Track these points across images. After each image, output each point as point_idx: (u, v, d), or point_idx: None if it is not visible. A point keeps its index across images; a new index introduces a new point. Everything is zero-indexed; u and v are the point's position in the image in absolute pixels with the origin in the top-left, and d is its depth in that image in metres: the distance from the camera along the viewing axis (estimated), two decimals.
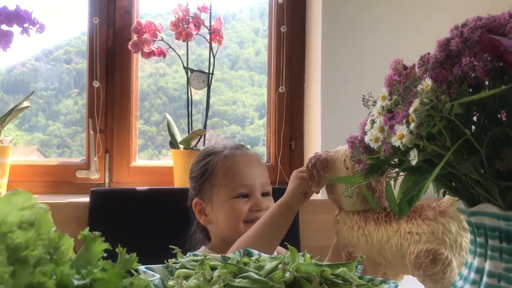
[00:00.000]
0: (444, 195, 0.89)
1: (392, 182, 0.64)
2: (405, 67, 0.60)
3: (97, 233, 0.45)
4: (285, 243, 0.78)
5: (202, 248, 1.25)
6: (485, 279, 0.55)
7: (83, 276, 0.38)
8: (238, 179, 1.21)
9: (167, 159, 1.93)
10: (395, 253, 0.86)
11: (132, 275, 0.47)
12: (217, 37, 1.81)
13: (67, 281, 0.37)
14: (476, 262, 0.57)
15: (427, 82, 0.48)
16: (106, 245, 0.45)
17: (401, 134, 0.49)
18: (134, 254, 0.48)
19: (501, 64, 0.49)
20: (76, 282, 0.36)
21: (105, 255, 0.45)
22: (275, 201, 1.13)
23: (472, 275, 0.57)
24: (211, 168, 1.23)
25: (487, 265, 0.55)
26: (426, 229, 0.83)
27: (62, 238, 0.50)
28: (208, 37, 1.81)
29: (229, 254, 1.04)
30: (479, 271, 0.56)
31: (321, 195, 1.79)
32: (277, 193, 1.61)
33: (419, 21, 1.86)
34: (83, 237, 0.44)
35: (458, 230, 0.84)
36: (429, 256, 0.81)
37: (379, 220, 0.88)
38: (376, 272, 0.90)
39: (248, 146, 1.36)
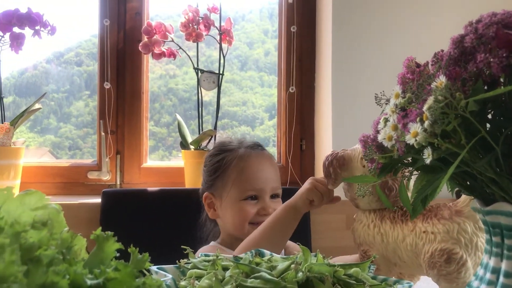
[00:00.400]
0: (457, 195, 0.88)
1: (405, 181, 0.63)
2: (418, 65, 0.59)
3: (109, 233, 0.45)
4: (297, 243, 0.78)
5: (212, 243, 1.27)
6: (501, 279, 0.54)
7: (96, 275, 0.38)
8: (250, 182, 1.22)
9: (178, 160, 1.94)
10: (410, 252, 0.85)
11: (144, 275, 0.47)
12: (227, 38, 1.81)
13: (80, 280, 0.36)
14: (492, 262, 0.56)
15: (441, 79, 0.48)
16: (118, 245, 0.45)
17: (415, 132, 0.48)
18: (147, 254, 0.48)
19: None
20: (89, 282, 0.36)
21: (117, 255, 0.45)
22: (283, 202, 1.13)
23: (488, 275, 0.56)
24: (225, 166, 1.25)
25: (504, 265, 0.54)
26: (441, 228, 0.82)
27: (74, 238, 0.50)
28: (218, 37, 1.81)
29: (241, 254, 1.05)
30: (495, 271, 0.55)
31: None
32: (287, 194, 1.61)
33: (431, 19, 1.84)
34: (95, 237, 0.44)
35: (474, 230, 0.83)
36: (443, 255, 0.80)
37: (395, 219, 0.88)
38: (391, 272, 0.89)
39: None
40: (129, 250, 0.48)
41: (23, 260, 0.36)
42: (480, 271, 0.58)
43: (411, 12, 1.86)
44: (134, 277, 0.39)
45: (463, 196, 0.87)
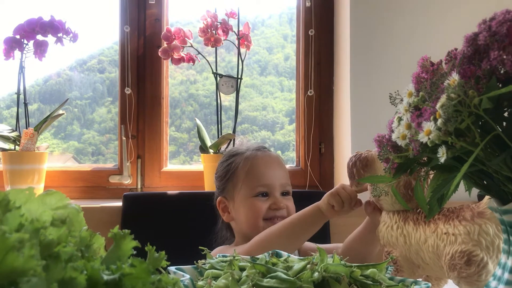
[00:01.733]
0: (479, 197, 0.87)
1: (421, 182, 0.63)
2: (432, 64, 0.59)
3: (126, 231, 0.46)
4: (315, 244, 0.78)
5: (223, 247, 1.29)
6: None
7: (112, 271, 0.39)
8: (258, 179, 1.25)
9: (198, 165, 1.96)
10: (431, 254, 0.85)
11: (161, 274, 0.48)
12: (245, 42, 1.82)
13: (97, 276, 0.38)
14: (510, 262, 0.56)
15: (454, 77, 0.48)
16: (135, 243, 0.46)
17: (428, 130, 0.48)
18: (163, 253, 0.49)
19: None
20: (105, 277, 0.37)
21: (134, 252, 0.46)
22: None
23: (506, 275, 0.56)
24: (234, 168, 1.29)
25: None
26: (462, 230, 0.81)
27: (93, 236, 0.51)
28: (236, 42, 1.83)
29: (253, 248, 1.07)
30: None
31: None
32: (307, 197, 1.61)
33: (449, 20, 1.83)
34: (113, 235, 0.45)
35: (496, 232, 0.81)
36: (463, 257, 0.79)
37: (418, 220, 0.87)
38: (414, 274, 0.89)
39: (279, 152, 1.39)
40: (146, 248, 0.49)
41: (42, 256, 0.37)
42: (498, 271, 0.58)
43: (429, 13, 1.84)
44: (149, 273, 0.40)
45: (486, 198, 0.85)
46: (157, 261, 0.48)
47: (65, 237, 0.40)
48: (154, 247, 0.50)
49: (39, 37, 1.64)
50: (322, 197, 1.08)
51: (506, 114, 0.53)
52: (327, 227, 1.68)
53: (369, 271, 0.68)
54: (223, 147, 1.81)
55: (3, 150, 1.67)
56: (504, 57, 0.47)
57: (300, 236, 1.10)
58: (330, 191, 1.08)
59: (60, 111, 1.76)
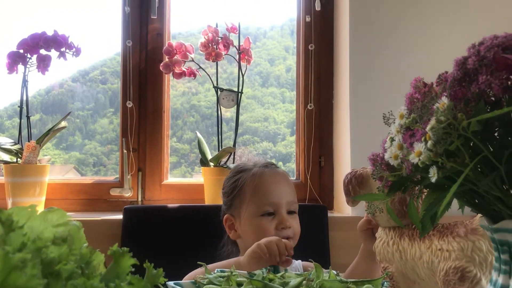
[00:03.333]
0: (475, 214, 0.88)
1: (414, 200, 0.64)
2: (425, 85, 0.60)
3: (125, 248, 0.48)
4: (309, 260, 0.79)
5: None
6: None
7: None
8: (265, 197, 1.25)
9: (200, 177, 1.97)
10: (427, 270, 0.86)
11: None
12: (246, 57, 1.85)
13: None
14: (501, 279, 0.57)
15: (444, 101, 0.49)
16: (134, 260, 0.47)
17: (419, 151, 0.50)
18: (161, 270, 0.50)
19: None
20: None
21: (133, 270, 0.48)
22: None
23: None
24: (240, 185, 1.28)
25: None
26: (456, 246, 0.82)
27: (93, 253, 0.53)
28: (237, 57, 1.85)
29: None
30: None
31: (351, 212, 1.79)
32: (307, 210, 1.62)
33: (448, 35, 1.85)
34: (112, 253, 0.47)
35: (489, 248, 0.82)
36: (457, 273, 0.80)
37: (413, 236, 0.88)
38: None
39: (280, 163, 1.39)
40: (144, 265, 0.51)
41: (43, 274, 0.38)
42: None
43: (428, 31, 1.87)
44: None
45: (478, 215, 0.86)
46: (155, 278, 0.49)
47: (66, 255, 0.42)
48: (152, 264, 0.51)
49: (43, 51, 1.67)
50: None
51: (496, 134, 0.55)
52: (326, 241, 1.68)
53: (364, 287, 0.70)
54: (223, 160, 1.83)
55: (5, 162, 1.69)
56: (492, 81, 0.49)
57: None
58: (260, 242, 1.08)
59: (63, 124, 1.78)
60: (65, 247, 0.42)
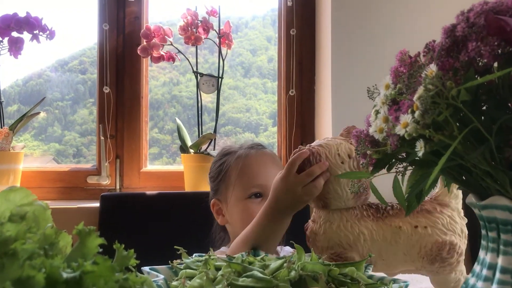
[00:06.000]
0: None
1: (400, 177, 0.62)
2: (410, 57, 0.58)
3: (92, 227, 0.44)
4: (291, 241, 0.77)
5: (223, 248, 1.24)
6: (497, 275, 0.53)
7: (73, 269, 0.37)
8: (251, 179, 1.19)
9: (179, 165, 1.93)
10: (397, 249, 0.84)
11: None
12: (226, 41, 1.81)
13: (56, 274, 0.35)
14: (488, 257, 0.55)
15: (432, 68, 0.46)
16: (101, 240, 0.44)
17: (405, 122, 0.47)
18: (132, 251, 0.47)
19: (510, 49, 0.47)
20: (65, 275, 0.35)
21: (100, 250, 0.44)
22: None
23: (485, 272, 0.55)
24: (226, 168, 1.23)
25: (500, 261, 0.53)
26: (435, 221, 0.83)
27: (59, 234, 0.49)
28: (217, 41, 1.81)
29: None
30: (492, 267, 0.54)
31: None
32: None
33: (429, 14, 1.82)
34: (78, 232, 0.43)
35: (461, 220, 0.86)
36: (445, 247, 0.82)
37: (374, 216, 0.85)
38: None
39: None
40: (114, 246, 0.47)
41: None
42: (477, 268, 0.57)
43: (409, 10, 1.84)
44: (114, 271, 0.38)
45: (439, 187, 0.87)
46: (125, 260, 0.46)
47: (23, 233, 0.38)
48: (123, 245, 0.48)
49: (14, 34, 1.61)
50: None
51: (484, 108, 0.52)
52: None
53: (347, 270, 0.67)
54: (203, 147, 1.79)
55: None
56: (482, 48, 0.46)
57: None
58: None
59: (37, 110, 1.72)
60: (23, 225, 0.39)
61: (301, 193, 0.88)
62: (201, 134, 1.82)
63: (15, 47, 1.59)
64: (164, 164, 2.05)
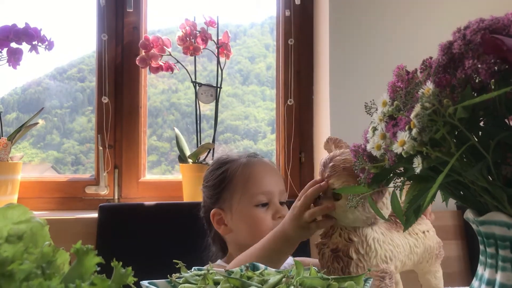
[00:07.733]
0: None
1: (398, 192, 0.62)
2: (408, 73, 0.58)
3: (90, 246, 0.44)
4: (293, 258, 0.76)
5: (219, 261, 1.22)
6: None
7: None
8: (258, 186, 1.18)
9: (177, 175, 1.93)
10: (416, 254, 0.90)
11: None
12: (225, 51, 1.81)
13: None
14: (487, 273, 0.55)
15: (429, 86, 0.47)
16: (99, 259, 0.43)
17: (402, 140, 0.47)
18: (129, 269, 0.47)
19: (506, 66, 0.47)
20: None
21: (98, 269, 0.44)
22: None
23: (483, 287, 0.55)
24: (230, 176, 1.20)
25: (499, 277, 0.53)
26: (427, 226, 0.92)
27: (56, 252, 0.49)
28: (215, 51, 1.81)
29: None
30: (490, 283, 0.54)
31: None
32: (288, 206, 1.59)
33: (429, 26, 1.83)
34: (75, 251, 0.43)
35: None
36: (440, 246, 0.92)
37: (396, 227, 0.88)
38: None
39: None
40: (112, 264, 0.47)
41: None
42: (475, 283, 0.57)
43: (408, 22, 1.85)
44: None
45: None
46: (123, 278, 0.46)
47: (20, 254, 0.38)
48: (121, 263, 0.48)
49: (13, 44, 1.61)
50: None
51: (481, 124, 0.52)
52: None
53: (346, 284, 0.67)
54: (202, 157, 1.79)
55: None
56: (479, 65, 0.46)
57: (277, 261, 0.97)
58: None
59: (35, 120, 1.72)
60: (20, 245, 0.39)
61: (314, 227, 0.90)
62: (200, 142, 1.82)
63: (14, 58, 1.59)
64: (162, 172, 2.04)
